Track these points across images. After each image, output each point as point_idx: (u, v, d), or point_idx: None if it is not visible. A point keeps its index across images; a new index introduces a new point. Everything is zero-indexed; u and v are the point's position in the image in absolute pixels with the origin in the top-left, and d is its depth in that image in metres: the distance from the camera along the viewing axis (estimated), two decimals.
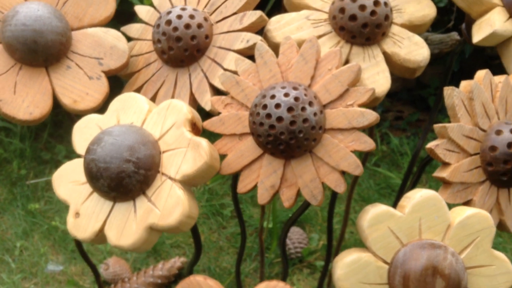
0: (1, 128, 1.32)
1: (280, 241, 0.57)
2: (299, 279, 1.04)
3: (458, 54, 1.34)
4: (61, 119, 1.35)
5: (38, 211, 1.15)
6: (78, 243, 0.70)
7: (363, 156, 0.74)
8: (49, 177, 1.23)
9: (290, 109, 0.41)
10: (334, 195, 0.58)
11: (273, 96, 0.41)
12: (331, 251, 0.65)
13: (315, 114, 0.41)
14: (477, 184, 0.49)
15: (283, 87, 0.42)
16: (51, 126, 1.33)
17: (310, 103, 0.41)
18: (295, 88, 0.42)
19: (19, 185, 1.21)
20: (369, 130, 0.73)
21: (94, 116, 0.46)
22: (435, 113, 0.67)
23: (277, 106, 0.41)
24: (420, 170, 0.60)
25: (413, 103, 1.48)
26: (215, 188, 1.22)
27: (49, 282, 1.03)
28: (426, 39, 1.25)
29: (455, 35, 1.17)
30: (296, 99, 0.41)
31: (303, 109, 0.41)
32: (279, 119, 0.41)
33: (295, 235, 1.08)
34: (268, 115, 0.41)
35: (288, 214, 1.15)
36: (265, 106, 0.41)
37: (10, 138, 1.30)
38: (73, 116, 0.57)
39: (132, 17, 1.10)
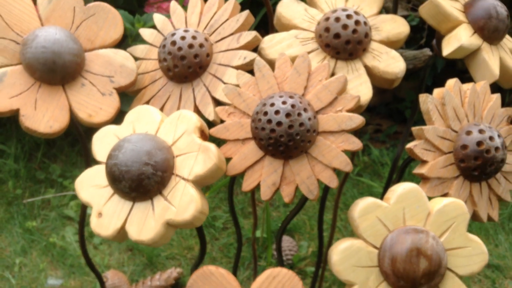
0: None
1: (277, 239, 0.63)
2: None
3: (431, 69, 1.43)
4: (54, 139, 1.39)
5: (35, 229, 1.19)
6: (86, 254, 0.75)
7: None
8: (44, 195, 1.27)
9: (288, 115, 0.47)
10: (322, 203, 0.64)
11: (272, 104, 0.47)
12: (321, 257, 0.70)
13: (309, 119, 0.48)
14: (452, 179, 0.55)
15: (281, 96, 0.48)
16: (44, 147, 1.37)
17: (305, 110, 0.47)
18: (291, 97, 0.48)
19: (15, 204, 1.24)
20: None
21: (112, 127, 0.51)
22: (411, 124, 0.73)
23: (277, 112, 0.47)
24: (401, 172, 0.67)
25: (390, 116, 1.56)
26: None
27: None
28: (400, 55, 1.34)
29: (427, 51, 1.25)
30: (293, 106, 0.47)
31: (299, 114, 0.47)
32: (279, 123, 0.47)
33: (286, 243, 1.14)
34: (269, 121, 0.47)
35: (279, 224, 1.21)
36: (266, 113, 0.47)
37: (4, 159, 1.33)
38: (82, 133, 0.62)
39: (124, 40, 1.16)
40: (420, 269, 0.45)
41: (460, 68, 1.45)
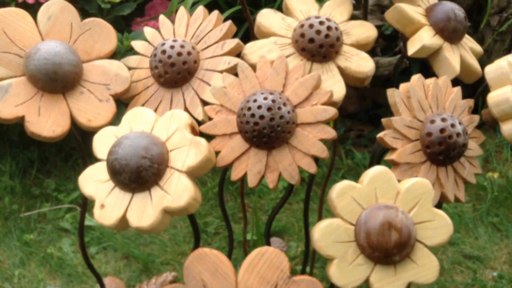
0: None
1: (266, 229, 0.68)
2: None
3: (407, 74, 1.50)
4: (47, 155, 1.44)
5: (32, 241, 1.23)
6: (85, 255, 0.80)
7: (328, 167, 0.87)
8: (40, 209, 1.31)
9: (269, 109, 0.53)
10: (306, 204, 0.70)
11: (255, 100, 0.53)
12: (308, 255, 0.76)
13: (288, 112, 0.53)
14: (419, 164, 0.61)
15: (262, 93, 0.54)
16: (38, 163, 1.41)
17: (284, 104, 0.53)
18: (271, 93, 0.54)
19: (12, 218, 1.28)
20: (333, 147, 0.86)
21: (110, 128, 0.57)
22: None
23: (259, 107, 0.53)
24: (377, 162, 0.72)
25: (371, 122, 1.63)
26: (198, 209, 1.31)
27: None
28: (376, 63, 1.41)
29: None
30: (273, 101, 0.53)
31: (279, 108, 0.53)
32: (261, 117, 0.53)
33: (275, 244, 1.19)
34: (253, 115, 0.53)
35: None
36: (249, 108, 0.53)
37: (0, 176, 1.37)
38: (79, 138, 0.67)
39: (114, 57, 1.22)
40: (391, 241, 0.51)
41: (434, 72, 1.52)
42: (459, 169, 0.64)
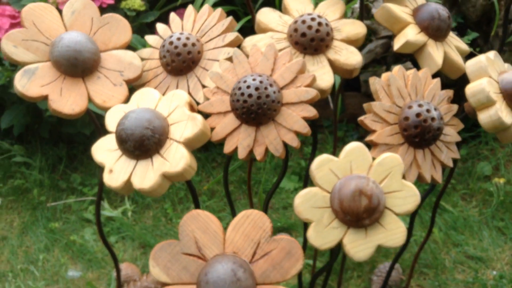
0: (23, 163, 1.50)
1: (264, 207, 0.75)
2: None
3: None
4: (75, 153, 1.54)
5: (57, 229, 1.32)
6: (102, 232, 0.87)
7: None
8: (66, 200, 1.40)
9: (257, 89, 0.60)
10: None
11: (245, 81, 0.61)
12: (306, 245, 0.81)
13: (274, 92, 0.61)
14: (397, 145, 0.67)
15: (252, 76, 0.61)
16: (66, 159, 1.51)
17: (271, 85, 0.61)
18: (260, 76, 0.61)
19: (40, 208, 1.38)
20: (333, 149, 0.93)
21: (120, 105, 0.65)
22: None
23: (248, 87, 0.60)
24: None
25: None
26: (212, 206, 1.39)
27: (70, 287, 1.18)
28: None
29: (408, 64, 1.38)
30: (261, 82, 0.60)
31: (265, 88, 0.60)
32: (250, 95, 0.60)
33: None
34: (242, 94, 0.60)
35: (278, 224, 1.32)
36: (240, 88, 0.61)
37: (30, 170, 1.48)
38: (97, 121, 0.76)
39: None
40: (362, 206, 0.57)
41: (445, 81, 1.57)
42: (436, 152, 0.69)
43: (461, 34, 1.48)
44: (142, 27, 1.43)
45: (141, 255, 1.26)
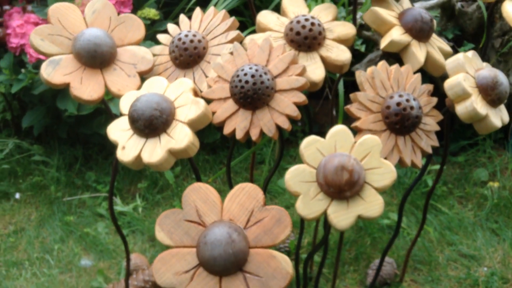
0: (41, 161, 1.59)
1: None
2: None
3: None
4: (90, 153, 1.63)
5: (72, 222, 1.40)
6: (115, 220, 0.95)
7: None
8: (81, 196, 1.49)
9: (253, 76, 0.68)
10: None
11: (242, 70, 0.69)
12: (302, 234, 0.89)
13: (268, 79, 0.69)
14: (380, 131, 0.75)
15: (249, 65, 0.69)
16: (82, 159, 1.60)
17: (265, 73, 0.69)
18: (256, 65, 0.69)
19: (56, 203, 1.47)
20: None
21: (133, 91, 0.73)
22: None
23: (245, 74, 0.68)
24: None
25: None
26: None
27: (82, 275, 1.26)
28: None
29: None
30: (256, 70, 0.68)
31: (260, 76, 0.68)
32: (246, 82, 0.68)
33: None
34: (240, 80, 0.68)
35: None
36: (238, 76, 0.69)
37: (48, 168, 1.57)
38: (108, 105, 0.84)
39: None
40: (343, 179, 0.65)
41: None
42: (417, 139, 0.77)
43: (458, 45, 1.55)
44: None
45: (150, 247, 1.34)
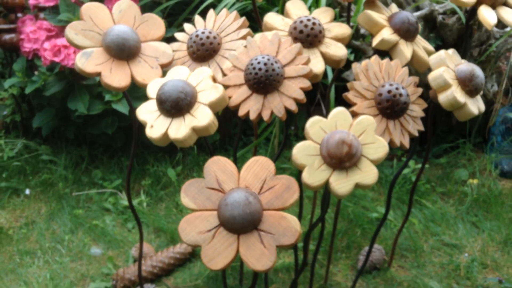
0: (49, 161, 1.68)
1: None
2: (284, 256, 1.36)
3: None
4: (96, 153, 1.72)
5: (81, 216, 1.48)
6: (132, 206, 1.04)
7: None
8: (89, 191, 1.57)
9: (265, 64, 0.79)
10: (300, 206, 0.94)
11: (256, 59, 0.80)
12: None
13: (278, 67, 0.80)
14: (373, 116, 0.86)
15: (261, 55, 0.80)
16: (88, 159, 1.69)
17: (276, 62, 0.80)
18: (267, 55, 0.80)
19: (65, 198, 1.55)
20: None
21: (159, 79, 0.84)
22: None
23: (258, 63, 0.79)
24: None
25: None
26: None
27: (92, 263, 1.34)
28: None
29: None
30: (268, 59, 0.79)
31: (272, 64, 0.79)
32: (260, 69, 0.79)
33: None
34: (254, 68, 0.79)
35: None
36: (252, 64, 0.80)
37: (56, 167, 1.66)
38: (131, 102, 0.94)
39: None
40: (343, 152, 0.75)
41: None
42: (404, 123, 0.88)
43: None
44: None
45: (155, 238, 1.43)
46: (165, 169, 1.66)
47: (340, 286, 1.27)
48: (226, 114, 1.76)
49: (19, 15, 1.66)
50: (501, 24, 1.71)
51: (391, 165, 1.74)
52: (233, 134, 1.81)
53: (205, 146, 1.74)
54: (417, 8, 1.72)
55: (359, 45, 1.72)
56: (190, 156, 1.72)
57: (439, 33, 1.71)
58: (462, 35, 1.70)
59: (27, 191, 1.58)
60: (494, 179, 1.68)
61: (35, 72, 1.55)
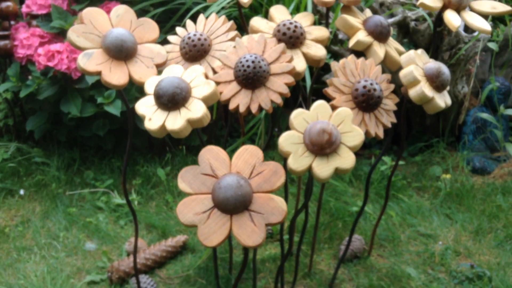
0: (41, 163, 1.73)
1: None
2: (270, 248, 1.44)
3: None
4: (87, 155, 1.78)
5: (74, 213, 1.55)
6: (129, 203, 1.11)
7: None
8: (82, 190, 1.63)
9: (253, 61, 0.88)
10: (286, 191, 1.03)
11: (244, 57, 0.88)
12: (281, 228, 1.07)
13: (265, 65, 0.88)
14: (350, 109, 0.95)
15: (249, 54, 0.89)
16: (79, 160, 1.75)
17: (263, 60, 0.88)
18: (255, 54, 0.89)
19: (58, 197, 1.61)
20: None
21: (156, 76, 0.92)
22: None
23: (247, 61, 0.88)
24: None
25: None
26: None
27: (87, 257, 1.41)
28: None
29: None
30: (256, 57, 0.88)
31: (259, 62, 0.88)
32: (248, 66, 0.88)
33: None
34: (243, 65, 0.88)
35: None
36: (241, 62, 0.88)
37: (48, 168, 1.71)
38: (127, 102, 1.02)
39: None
40: (324, 139, 0.84)
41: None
42: (379, 116, 0.97)
43: None
44: None
45: (147, 234, 1.50)
46: (154, 169, 1.73)
47: (323, 274, 1.35)
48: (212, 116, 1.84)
49: (12, 22, 1.72)
50: (470, 29, 1.83)
51: (369, 163, 1.84)
52: (219, 136, 1.89)
53: (192, 147, 1.82)
54: (391, 15, 1.83)
55: (337, 50, 1.82)
56: (179, 157, 1.80)
57: (412, 38, 1.81)
58: (434, 41, 1.81)
59: (22, 192, 1.64)
60: (466, 175, 1.78)
61: (29, 77, 1.61)
